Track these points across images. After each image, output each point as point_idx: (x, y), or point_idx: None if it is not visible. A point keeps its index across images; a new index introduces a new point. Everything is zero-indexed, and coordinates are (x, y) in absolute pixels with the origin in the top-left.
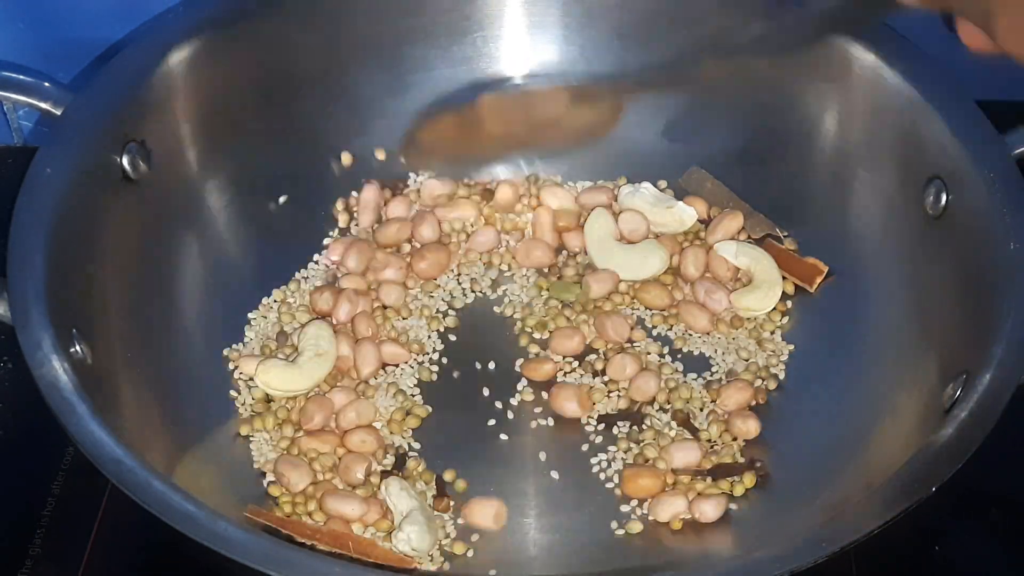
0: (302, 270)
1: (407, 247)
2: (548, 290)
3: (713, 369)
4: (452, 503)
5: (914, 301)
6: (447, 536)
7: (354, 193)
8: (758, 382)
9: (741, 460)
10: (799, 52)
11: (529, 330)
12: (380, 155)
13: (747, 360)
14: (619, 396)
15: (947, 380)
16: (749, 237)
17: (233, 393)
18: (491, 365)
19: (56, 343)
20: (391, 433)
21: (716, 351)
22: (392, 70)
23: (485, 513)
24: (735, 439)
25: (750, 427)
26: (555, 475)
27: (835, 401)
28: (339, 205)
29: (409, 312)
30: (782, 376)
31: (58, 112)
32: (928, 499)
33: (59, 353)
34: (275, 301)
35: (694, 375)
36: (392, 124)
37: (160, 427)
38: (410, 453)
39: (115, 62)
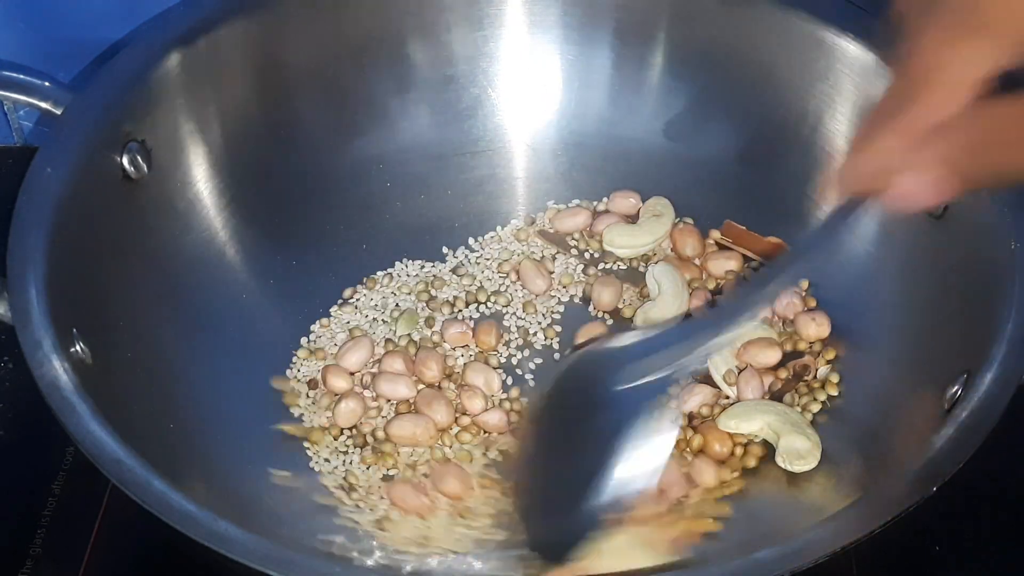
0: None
1: None
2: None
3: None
4: None
5: (914, 301)
6: None
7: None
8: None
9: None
10: None
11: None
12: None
13: None
14: None
15: (947, 380)
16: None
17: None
18: None
19: (56, 343)
20: None
21: None
22: (392, 69)
23: None
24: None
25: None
26: None
27: (836, 401)
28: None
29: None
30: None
31: (58, 112)
32: (928, 499)
33: (59, 353)
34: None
35: None
36: (392, 124)
37: (161, 427)
38: None
39: (115, 62)
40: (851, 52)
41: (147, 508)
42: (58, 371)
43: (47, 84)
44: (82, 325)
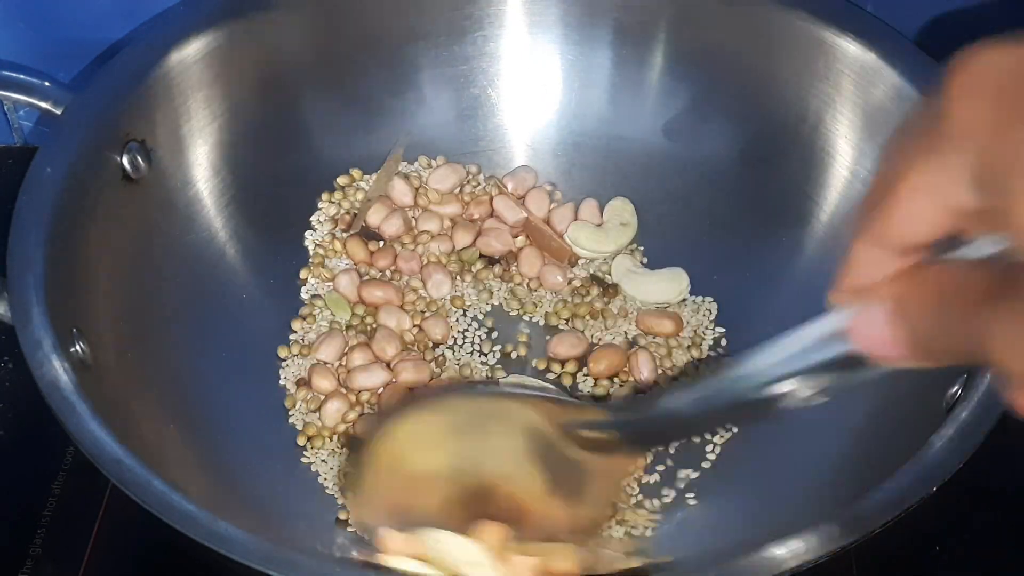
0: (303, 270)
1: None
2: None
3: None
4: None
5: None
6: None
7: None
8: None
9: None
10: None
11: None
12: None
13: None
14: None
15: (947, 380)
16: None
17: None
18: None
19: (56, 343)
20: None
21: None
22: (392, 69)
23: None
24: None
25: None
26: None
27: (835, 400)
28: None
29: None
30: None
31: (58, 112)
32: (928, 499)
33: (59, 353)
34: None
35: None
36: (393, 123)
37: (161, 427)
38: None
39: (115, 62)
40: (851, 52)
41: (147, 508)
42: (58, 371)
43: (47, 84)
44: (82, 325)
